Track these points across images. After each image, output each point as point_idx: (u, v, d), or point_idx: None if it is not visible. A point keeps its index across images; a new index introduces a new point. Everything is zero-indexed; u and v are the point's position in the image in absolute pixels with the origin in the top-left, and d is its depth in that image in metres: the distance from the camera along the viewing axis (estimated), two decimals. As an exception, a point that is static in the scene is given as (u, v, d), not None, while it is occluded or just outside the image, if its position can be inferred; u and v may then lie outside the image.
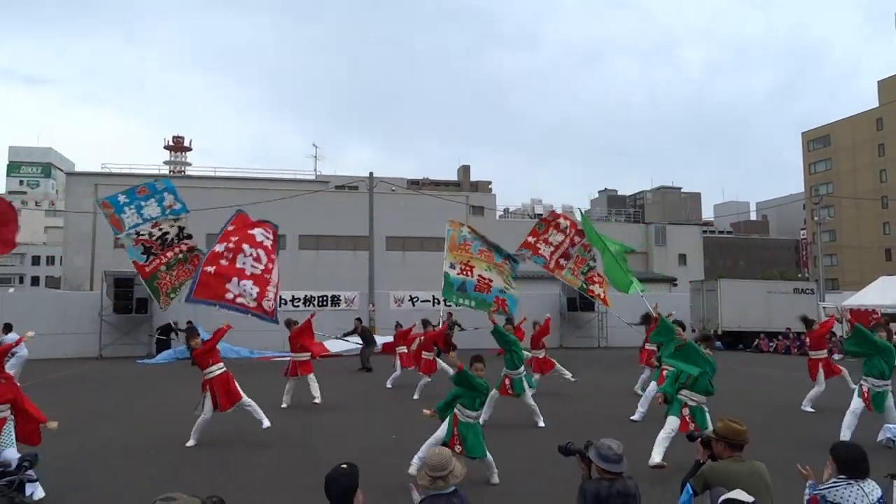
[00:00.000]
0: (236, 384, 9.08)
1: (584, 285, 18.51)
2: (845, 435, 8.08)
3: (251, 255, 11.22)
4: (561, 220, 18.36)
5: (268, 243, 11.65)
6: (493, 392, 10.15)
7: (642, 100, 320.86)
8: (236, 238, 11.51)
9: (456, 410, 6.77)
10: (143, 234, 16.04)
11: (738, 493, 3.62)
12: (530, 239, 18.71)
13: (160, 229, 16.14)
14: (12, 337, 15.02)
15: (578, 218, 16.67)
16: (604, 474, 3.77)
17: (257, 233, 11.69)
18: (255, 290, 10.76)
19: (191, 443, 8.72)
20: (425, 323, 15.17)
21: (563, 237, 18.71)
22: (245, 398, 9.05)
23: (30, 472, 3.81)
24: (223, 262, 10.95)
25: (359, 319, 20.70)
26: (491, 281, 17.58)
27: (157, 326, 23.19)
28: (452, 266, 17.67)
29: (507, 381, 10.40)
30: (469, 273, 17.55)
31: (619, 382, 15.10)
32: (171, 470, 7.53)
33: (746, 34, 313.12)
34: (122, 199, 16.02)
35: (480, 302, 17.88)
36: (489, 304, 17.77)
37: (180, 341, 22.08)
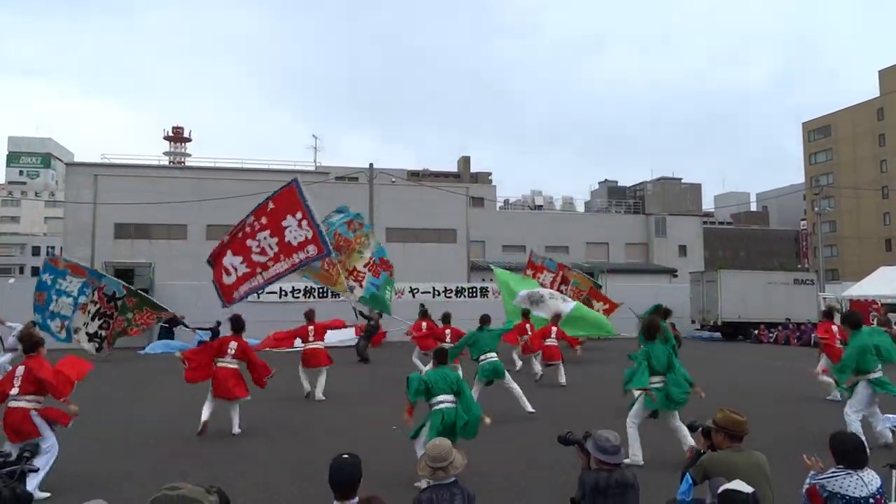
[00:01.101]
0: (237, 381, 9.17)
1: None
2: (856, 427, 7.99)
3: (265, 245, 11.53)
4: (539, 274, 22.07)
5: (293, 238, 11.85)
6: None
7: (642, 89, 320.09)
8: (264, 222, 12.05)
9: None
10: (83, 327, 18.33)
11: (737, 484, 3.64)
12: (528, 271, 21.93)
13: (87, 311, 18.29)
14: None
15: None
16: (602, 465, 3.79)
17: (291, 224, 11.87)
18: (244, 269, 11.49)
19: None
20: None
21: (551, 279, 20.85)
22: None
23: (31, 462, 3.81)
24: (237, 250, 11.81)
25: (379, 314, 20.75)
26: (356, 270, 17.72)
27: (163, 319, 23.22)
28: (352, 289, 17.67)
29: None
30: (358, 276, 17.70)
31: (620, 373, 15.09)
32: (171, 459, 7.57)
33: (746, 23, 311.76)
34: (46, 278, 19.41)
35: (383, 287, 18.21)
36: (380, 286, 18.11)
37: (181, 335, 22.20)
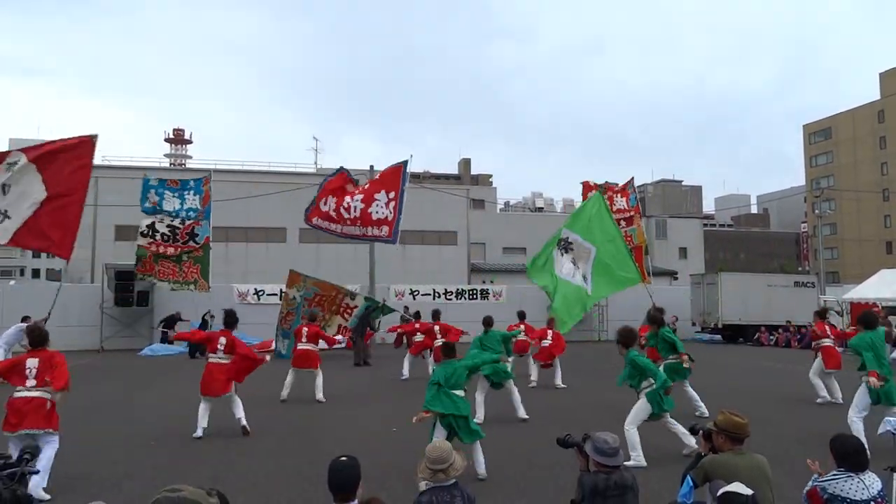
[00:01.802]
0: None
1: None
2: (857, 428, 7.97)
3: (352, 205, 13.83)
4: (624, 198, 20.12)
5: (375, 211, 13.99)
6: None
7: (643, 91, 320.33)
8: (366, 187, 14.16)
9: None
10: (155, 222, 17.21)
11: (736, 486, 3.63)
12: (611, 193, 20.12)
13: (170, 221, 17.23)
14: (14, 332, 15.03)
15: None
16: (600, 467, 3.79)
17: (380, 199, 14.01)
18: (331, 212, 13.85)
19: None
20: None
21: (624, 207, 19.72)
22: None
23: (31, 464, 3.81)
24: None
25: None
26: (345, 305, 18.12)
27: (161, 319, 23.21)
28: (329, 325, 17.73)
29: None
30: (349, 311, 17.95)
31: (618, 374, 15.07)
32: (172, 460, 7.56)
33: (747, 25, 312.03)
34: (153, 181, 17.81)
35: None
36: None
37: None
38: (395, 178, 13.83)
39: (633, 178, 22.37)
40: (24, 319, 15.53)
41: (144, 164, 47.11)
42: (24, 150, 9.26)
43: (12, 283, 38.50)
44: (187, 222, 17.39)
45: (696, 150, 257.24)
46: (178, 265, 17.23)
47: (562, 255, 12.68)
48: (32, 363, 6.51)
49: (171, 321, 22.76)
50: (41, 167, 9.08)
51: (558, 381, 13.93)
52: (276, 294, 24.97)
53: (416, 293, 26.73)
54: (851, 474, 3.88)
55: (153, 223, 17.31)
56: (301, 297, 17.68)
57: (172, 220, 17.39)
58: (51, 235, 9.18)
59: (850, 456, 3.94)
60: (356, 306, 18.02)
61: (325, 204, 14.60)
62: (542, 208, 68.17)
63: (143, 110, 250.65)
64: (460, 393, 6.71)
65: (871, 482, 3.86)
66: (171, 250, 17.24)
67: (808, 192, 66.64)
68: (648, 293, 15.08)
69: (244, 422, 8.96)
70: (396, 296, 26.39)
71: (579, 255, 12.33)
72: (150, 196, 17.47)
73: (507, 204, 64.11)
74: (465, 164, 77.09)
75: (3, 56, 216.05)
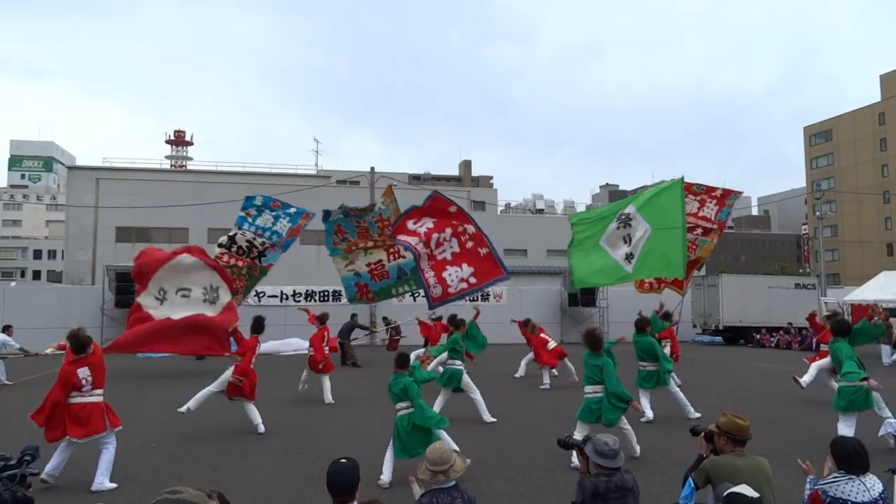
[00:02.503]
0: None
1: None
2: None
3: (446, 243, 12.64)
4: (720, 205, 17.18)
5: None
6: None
7: (643, 93, 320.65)
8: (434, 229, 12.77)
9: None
10: (240, 233, 16.75)
11: (743, 488, 3.63)
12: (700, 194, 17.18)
13: (253, 238, 16.79)
14: (6, 339, 15.04)
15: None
16: (601, 469, 3.79)
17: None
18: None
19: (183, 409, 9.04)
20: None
21: (708, 214, 17.25)
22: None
23: (31, 466, 3.80)
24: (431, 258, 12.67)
25: (354, 315, 20.84)
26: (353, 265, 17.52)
27: None
28: (355, 268, 17.45)
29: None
30: (376, 266, 17.51)
31: (621, 377, 15.07)
32: (172, 462, 7.56)
33: (747, 27, 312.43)
34: (257, 200, 17.30)
35: (383, 290, 17.95)
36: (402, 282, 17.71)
37: None
38: (451, 214, 13.34)
39: (738, 193, 18.62)
40: (6, 329, 15.52)
41: (145, 166, 47.14)
42: None
43: (13, 284, 38.54)
44: (267, 243, 17.23)
45: (696, 151, 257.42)
46: (235, 276, 16.81)
47: (617, 228, 12.73)
48: (84, 373, 6.75)
49: None
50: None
51: (545, 383, 13.90)
52: (276, 296, 25.03)
53: (416, 294, 26.69)
54: (852, 476, 3.87)
55: (234, 234, 16.86)
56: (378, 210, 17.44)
57: (256, 236, 17.06)
58: None
59: (850, 458, 3.93)
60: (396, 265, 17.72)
61: (417, 223, 12.98)
62: (543, 210, 68.13)
63: (143, 112, 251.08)
64: (404, 405, 6.66)
65: (872, 484, 3.86)
66: (240, 263, 16.95)
67: (809, 193, 66.60)
68: (661, 301, 15.32)
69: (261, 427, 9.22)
70: (397, 297, 26.37)
71: (634, 231, 12.36)
72: (249, 211, 17.11)
73: (507, 205, 64.07)
74: (466, 165, 77.09)
75: (4, 57, 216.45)
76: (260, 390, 10.83)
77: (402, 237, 12.84)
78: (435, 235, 12.52)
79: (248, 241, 16.85)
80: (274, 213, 17.14)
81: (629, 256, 12.35)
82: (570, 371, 14.27)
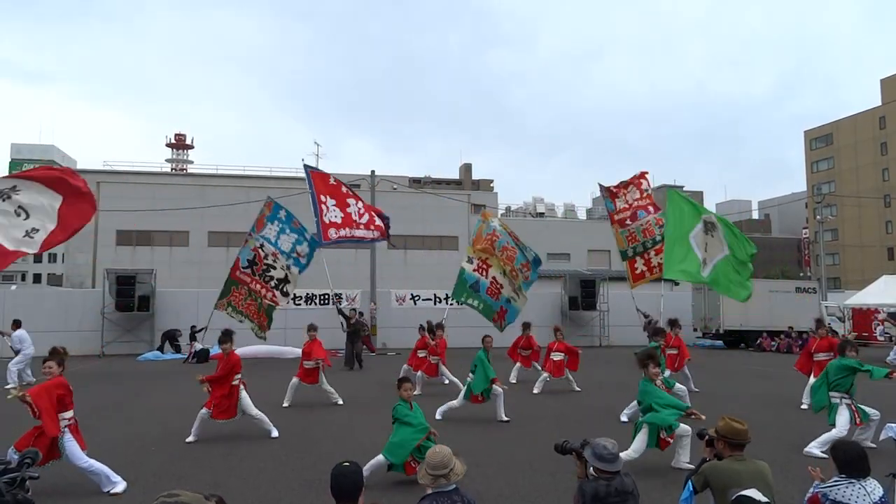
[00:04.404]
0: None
1: (630, 253, 18.34)
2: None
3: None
4: (643, 182, 18.57)
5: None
6: (462, 401, 10.30)
7: (644, 97, 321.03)
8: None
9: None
10: (262, 250, 16.06)
11: (752, 492, 3.63)
12: (613, 188, 18.74)
13: (275, 260, 16.06)
14: (20, 334, 15.10)
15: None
16: (600, 473, 3.78)
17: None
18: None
19: (191, 438, 8.79)
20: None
21: (638, 196, 18.57)
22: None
23: (31, 469, 3.81)
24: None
25: (360, 313, 20.78)
26: (501, 287, 17.66)
27: (163, 332, 23.33)
28: (470, 261, 17.70)
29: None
30: (484, 273, 17.61)
31: (621, 381, 15.09)
32: (172, 465, 7.55)
33: (748, 30, 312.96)
34: (282, 214, 16.37)
35: (487, 307, 17.80)
36: (493, 312, 17.73)
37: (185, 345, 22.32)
38: (331, 184, 14.90)
39: (643, 173, 19.60)
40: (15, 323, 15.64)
41: (146, 169, 47.17)
42: (15, 176, 9.18)
43: (13, 287, 38.54)
44: (285, 269, 16.52)
45: (696, 155, 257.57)
46: (258, 307, 16.38)
47: (704, 233, 12.96)
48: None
49: (168, 336, 23.03)
50: (46, 184, 9.02)
51: (537, 389, 13.81)
52: (276, 299, 24.97)
53: (416, 298, 26.73)
54: (853, 481, 3.87)
55: (262, 246, 16.28)
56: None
57: (275, 257, 16.34)
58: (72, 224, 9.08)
59: (851, 462, 3.92)
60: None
61: (329, 212, 14.75)
62: (543, 213, 68.07)
63: (144, 115, 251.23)
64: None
65: (872, 488, 3.85)
66: (263, 290, 16.29)
67: (810, 197, 66.58)
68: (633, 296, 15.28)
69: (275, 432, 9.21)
70: (397, 300, 26.41)
71: (714, 242, 12.70)
72: (273, 227, 16.45)
73: (508, 209, 64.03)
74: (467, 169, 77.20)
75: (5, 61, 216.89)
76: (259, 393, 10.82)
77: (332, 233, 14.78)
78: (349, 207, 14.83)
79: (273, 261, 16.28)
80: (292, 233, 16.58)
81: (704, 262, 12.69)
82: (570, 380, 14.17)
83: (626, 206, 18.91)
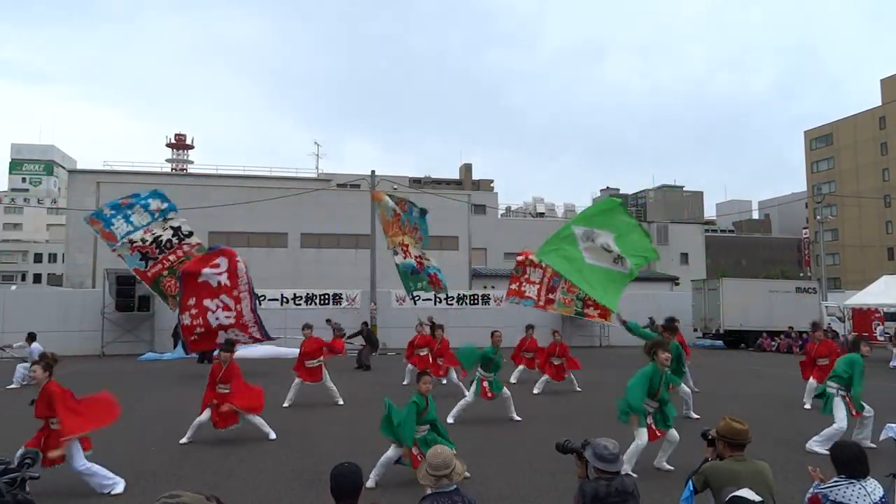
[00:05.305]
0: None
1: (580, 310, 18.54)
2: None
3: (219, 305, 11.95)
4: (532, 257, 18.84)
5: (222, 280, 12.27)
6: (471, 398, 10.30)
7: (644, 97, 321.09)
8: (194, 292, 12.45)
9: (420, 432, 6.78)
10: (136, 242, 16.15)
11: (746, 492, 3.62)
12: (513, 286, 19.17)
13: (152, 234, 16.22)
14: (37, 347, 14.90)
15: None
16: (601, 473, 3.78)
17: (209, 274, 12.23)
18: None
19: (184, 440, 8.82)
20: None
21: (541, 272, 18.96)
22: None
23: (31, 469, 3.81)
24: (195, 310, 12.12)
25: (365, 323, 20.86)
26: (420, 257, 17.68)
27: (175, 327, 23.29)
28: (396, 252, 17.65)
29: (484, 384, 10.42)
30: (408, 254, 17.62)
31: (621, 381, 15.06)
32: (172, 466, 7.55)
33: (748, 30, 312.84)
34: (107, 211, 16.32)
35: (425, 284, 17.94)
36: (429, 281, 17.79)
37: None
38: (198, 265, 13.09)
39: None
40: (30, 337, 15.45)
41: (146, 170, 47.18)
42: None
43: (13, 287, 38.55)
44: (158, 223, 16.53)
45: (697, 155, 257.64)
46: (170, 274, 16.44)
47: (590, 245, 12.74)
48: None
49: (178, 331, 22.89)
50: None
51: (537, 389, 13.83)
52: (277, 299, 24.99)
53: (416, 299, 26.71)
54: (853, 481, 3.86)
55: (131, 241, 16.25)
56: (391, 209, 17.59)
57: (151, 230, 16.23)
58: None
59: (850, 463, 3.92)
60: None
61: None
62: (544, 213, 68.14)
63: (144, 115, 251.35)
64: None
65: (872, 489, 3.85)
66: (176, 257, 16.52)
67: (810, 197, 66.57)
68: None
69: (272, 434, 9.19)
70: (397, 301, 26.40)
71: (603, 241, 12.47)
72: (119, 219, 16.36)
73: (508, 209, 64.04)
74: (467, 169, 77.24)
75: (6, 61, 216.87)
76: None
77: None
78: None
79: (153, 235, 16.42)
80: (132, 207, 16.55)
81: (618, 259, 12.38)
82: (572, 380, 14.20)
83: (539, 285, 19.79)
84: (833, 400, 8.37)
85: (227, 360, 9.19)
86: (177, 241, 16.63)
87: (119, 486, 6.47)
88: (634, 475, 7.23)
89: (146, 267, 16.29)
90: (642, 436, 6.93)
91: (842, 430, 8.15)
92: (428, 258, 18.03)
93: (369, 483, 6.48)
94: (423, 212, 18.22)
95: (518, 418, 10.38)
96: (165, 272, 16.33)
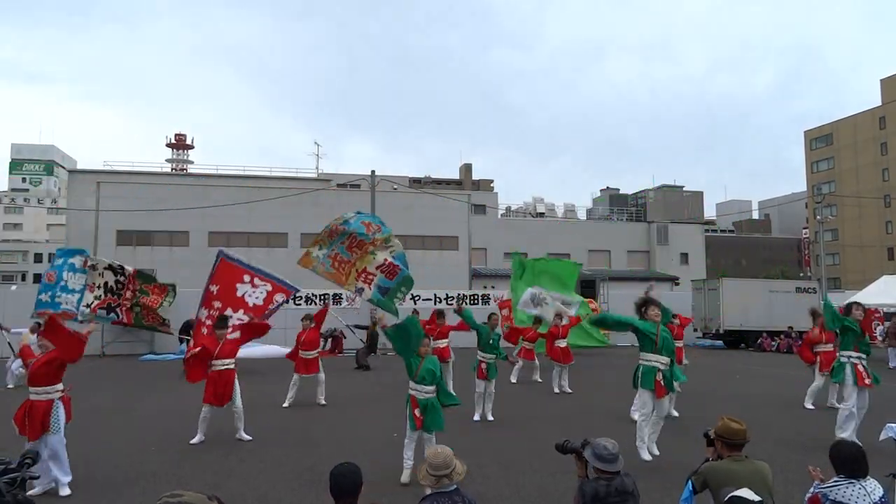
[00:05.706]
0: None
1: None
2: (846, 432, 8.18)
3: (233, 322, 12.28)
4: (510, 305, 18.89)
5: (256, 299, 12.76)
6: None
7: (644, 97, 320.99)
8: (219, 306, 12.77)
9: (412, 391, 6.92)
10: (92, 303, 16.65)
11: (745, 492, 3.62)
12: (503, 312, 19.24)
13: (97, 287, 16.78)
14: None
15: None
16: (601, 473, 3.78)
17: (246, 290, 12.82)
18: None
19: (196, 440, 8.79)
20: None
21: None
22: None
23: (31, 469, 3.81)
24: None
25: (374, 323, 20.82)
26: (381, 266, 17.23)
27: (182, 323, 23.29)
28: (360, 290, 17.16)
29: (482, 366, 10.59)
30: (370, 279, 17.05)
31: (620, 380, 15.07)
32: (172, 466, 7.55)
33: (748, 30, 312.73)
34: (45, 297, 17.07)
35: (402, 288, 17.63)
36: (399, 285, 17.42)
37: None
38: (231, 269, 13.68)
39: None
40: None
41: (146, 170, 47.18)
42: None
43: (14, 287, 38.52)
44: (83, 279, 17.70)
45: (697, 155, 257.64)
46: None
47: (540, 303, 14.50)
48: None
49: (186, 328, 22.89)
50: None
51: (564, 384, 13.95)
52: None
53: (416, 298, 26.70)
54: (853, 481, 3.86)
55: (91, 286, 17.14)
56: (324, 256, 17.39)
57: (92, 287, 17.39)
58: None
59: (850, 462, 3.92)
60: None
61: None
62: (543, 213, 68.03)
63: (144, 115, 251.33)
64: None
65: (872, 489, 3.85)
66: (128, 294, 17.23)
67: (810, 197, 66.58)
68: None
69: (245, 436, 9.10)
70: (401, 300, 26.39)
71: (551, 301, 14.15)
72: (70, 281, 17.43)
73: (508, 209, 63.97)
74: (467, 169, 77.22)
75: (5, 62, 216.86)
76: (259, 394, 10.83)
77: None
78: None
79: (99, 286, 17.50)
80: (62, 274, 17.80)
81: (567, 303, 14.51)
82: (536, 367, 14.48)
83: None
84: (845, 368, 8.47)
85: (223, 337, 9.35)
86: (122, 278, 17.36)
87: (67, 488, 6.44)
88: (649, 457, 7.34)
89: (119, 318, 16.97)
90: (646, 398, 7.50)
91: (849, 409, 8.27)
92: (382, 248, 17.45)
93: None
94: (358, 213, 17.96)
95: (491, 418, 10.38)
96: (136, 309, 17.06)
